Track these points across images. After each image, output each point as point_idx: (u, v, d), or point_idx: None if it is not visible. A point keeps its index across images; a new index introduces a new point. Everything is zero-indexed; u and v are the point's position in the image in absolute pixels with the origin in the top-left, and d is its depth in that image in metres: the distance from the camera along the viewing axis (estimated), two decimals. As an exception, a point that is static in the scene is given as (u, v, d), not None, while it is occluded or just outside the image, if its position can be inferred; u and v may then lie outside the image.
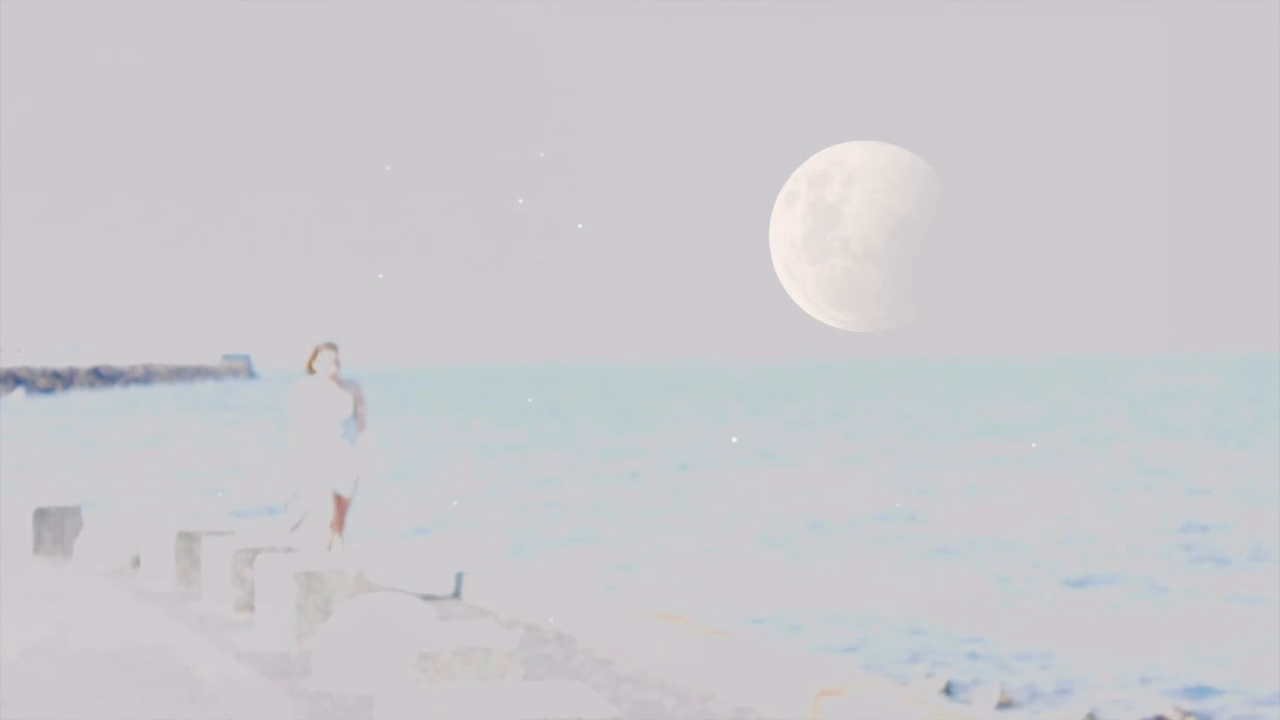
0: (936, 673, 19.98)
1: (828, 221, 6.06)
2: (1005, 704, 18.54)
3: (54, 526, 19.85)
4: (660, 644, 12.35)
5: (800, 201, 6.14)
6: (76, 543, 19.20)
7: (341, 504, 15.76)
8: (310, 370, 15.84)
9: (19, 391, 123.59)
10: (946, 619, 24.14)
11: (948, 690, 19.05)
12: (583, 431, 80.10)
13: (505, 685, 8.49)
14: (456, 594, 15.78)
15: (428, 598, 15.59)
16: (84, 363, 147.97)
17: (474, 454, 63.61)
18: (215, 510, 37.44)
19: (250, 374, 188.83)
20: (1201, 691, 19.37)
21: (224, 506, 39.82)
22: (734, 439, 72.86)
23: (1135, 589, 27.34)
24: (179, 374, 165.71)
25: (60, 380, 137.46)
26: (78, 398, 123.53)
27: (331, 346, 15.79)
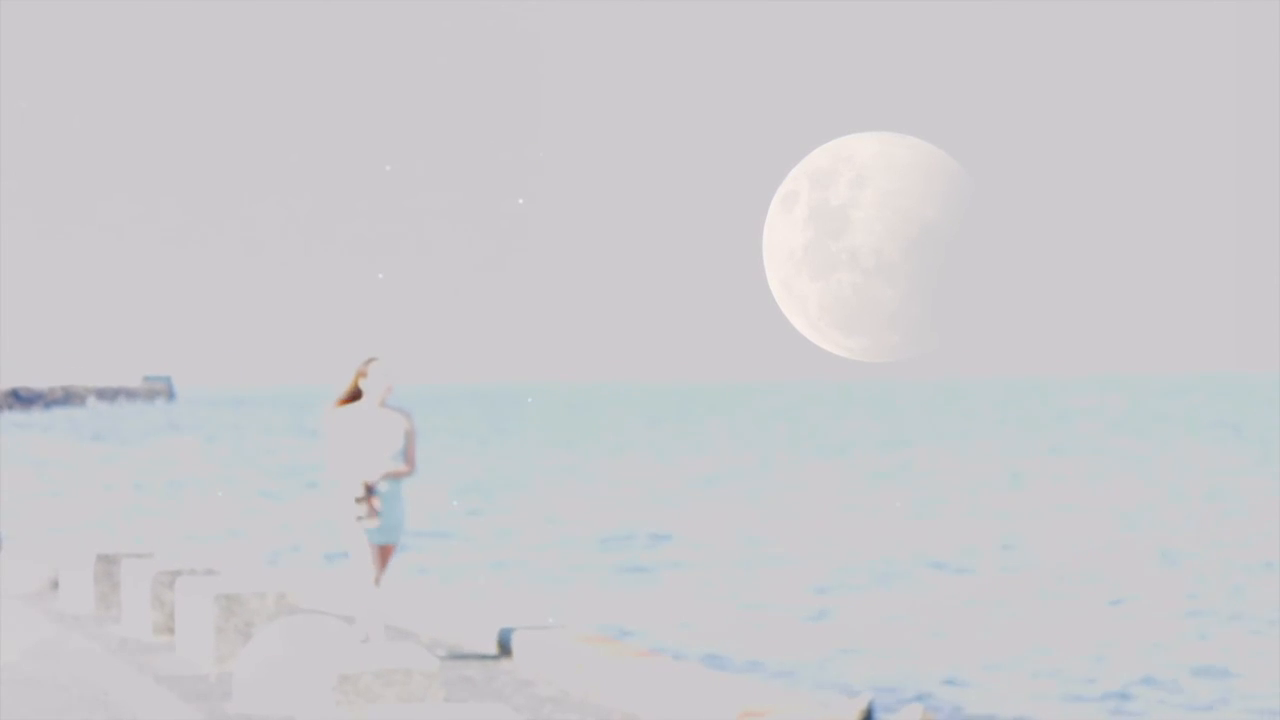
0: (860, 693, 20.02)
1: (833, 229, 5.12)
2: (927, 724, 18.58)
3: (-29, 549, 19.66)
4: (583, 666, 12.33)
5: (800, 204, 5.20)
6: (-6, 566, 19.03)
7: (386, 550, 13.58)
8: (355, 393, 13.41)
9: None
10: (873, 639, 24.20)
11: (869, 711, 19.08)
12: (533, 457, 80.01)
13: (426, 707, 8.45)
14: (506, 652, 13.77)
15: (469, 657, 13.83)
16: (2, 384, 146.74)
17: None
18: (142, 533, 37.18)
19: (170, 395, 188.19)
20: (1126, 708, 19.49)
21: (148, 531, 39.54)
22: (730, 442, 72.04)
23: (1063, 606, 27.47)
24: (99, 395, 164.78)
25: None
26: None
27: (377, 360, 13.39)
